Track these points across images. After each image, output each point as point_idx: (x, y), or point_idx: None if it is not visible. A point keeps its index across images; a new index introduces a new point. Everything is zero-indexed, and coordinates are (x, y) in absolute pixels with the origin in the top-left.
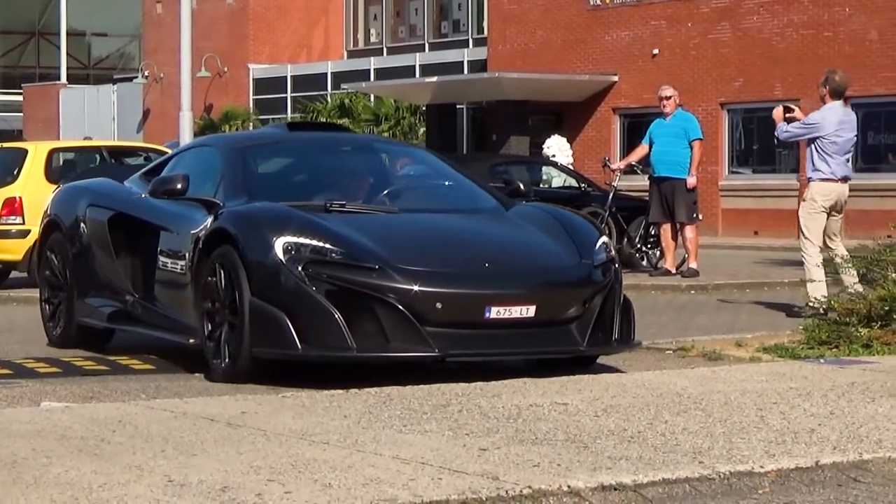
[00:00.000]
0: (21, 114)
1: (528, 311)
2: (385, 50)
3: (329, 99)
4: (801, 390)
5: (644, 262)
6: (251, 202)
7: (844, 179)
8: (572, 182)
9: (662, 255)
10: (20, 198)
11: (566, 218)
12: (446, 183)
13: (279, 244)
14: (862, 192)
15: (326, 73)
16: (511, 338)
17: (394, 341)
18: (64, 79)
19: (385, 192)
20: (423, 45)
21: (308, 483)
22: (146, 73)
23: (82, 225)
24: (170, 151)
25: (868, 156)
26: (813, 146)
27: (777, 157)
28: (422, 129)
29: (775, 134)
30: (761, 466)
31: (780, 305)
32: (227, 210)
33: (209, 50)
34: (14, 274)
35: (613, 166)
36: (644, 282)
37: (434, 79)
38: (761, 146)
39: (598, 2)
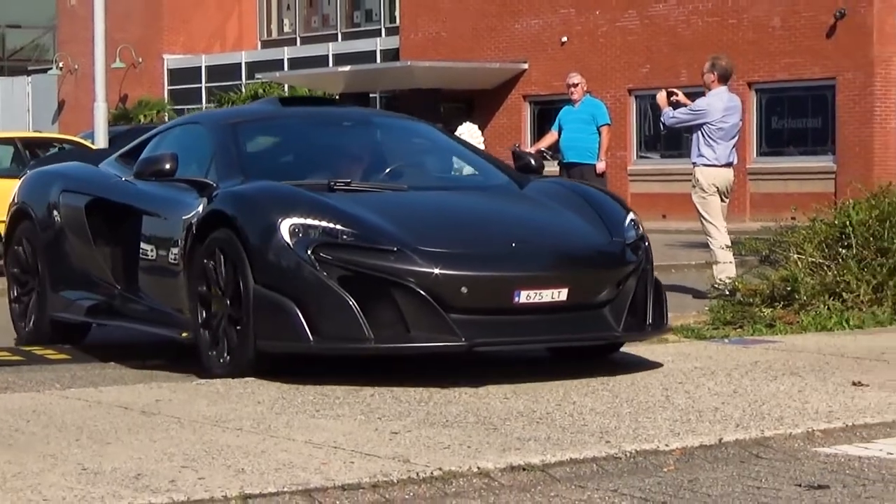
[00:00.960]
0: None
1: (560, 294)
2: (298, 40)
3: (244, 89)
4: (705, 370)
5: None
6: (248, 182)
7: (728, 165)
8: None
9: None
10: None
11: (590, 193)
12: (454, 158)
13: (285, 226)
14: (766, 175)
15: (241, 64)
16: (542, 324)
17: (415, 330)
18: None
19: (389, 168)
20: (336, 34)
21: (221, 469)
22: (61, 65)
23: (55, 212)
24: (87, 143)
25: (771, 140)
26: (699, 132)
27: (683, 142)
28: None
29: (661, 120)
30: (666, 445)
31: (686, 288)
32: (223, 191)
33: (124, 41)
34: None
35: (524, 148)
36: None
37: (347, 68)
38: (669, 131)
39: None
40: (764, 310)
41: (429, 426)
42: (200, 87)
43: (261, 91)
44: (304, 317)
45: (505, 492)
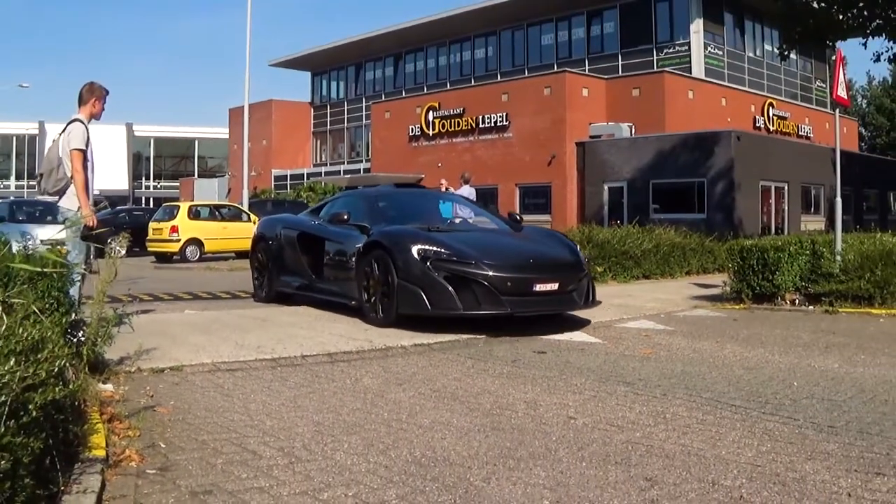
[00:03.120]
0: (178, 191)
1: (554, 286)
2: (328, 163)
3: (304, 184)
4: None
5: None
6: (389, 226)
7: None
8: None
9: None
10: (177, 225)
11: (556, 234)
12: (481, 215)
13: (414, 249)
14: (526, 223)
15: (304, 174)
16: (546, 301)
17: (484, 304)
18: (196, 176)
19: (449, 220)
20: (344, 160)
21: (294, 345)
22: (230, 174)
23: (280, 238)
24: (241, 207)
25: (526, 208)
26: None
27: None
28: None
29: None
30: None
31: None
32: (377, 230)
33: (256, 163)
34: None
35: None
36: None
37: (349, 176)
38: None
39: (416, 144)
40: None
41: (380, 329)
42: (286, 184)
43: (312, 186)
44: (426, 297)
45: (411, 354)
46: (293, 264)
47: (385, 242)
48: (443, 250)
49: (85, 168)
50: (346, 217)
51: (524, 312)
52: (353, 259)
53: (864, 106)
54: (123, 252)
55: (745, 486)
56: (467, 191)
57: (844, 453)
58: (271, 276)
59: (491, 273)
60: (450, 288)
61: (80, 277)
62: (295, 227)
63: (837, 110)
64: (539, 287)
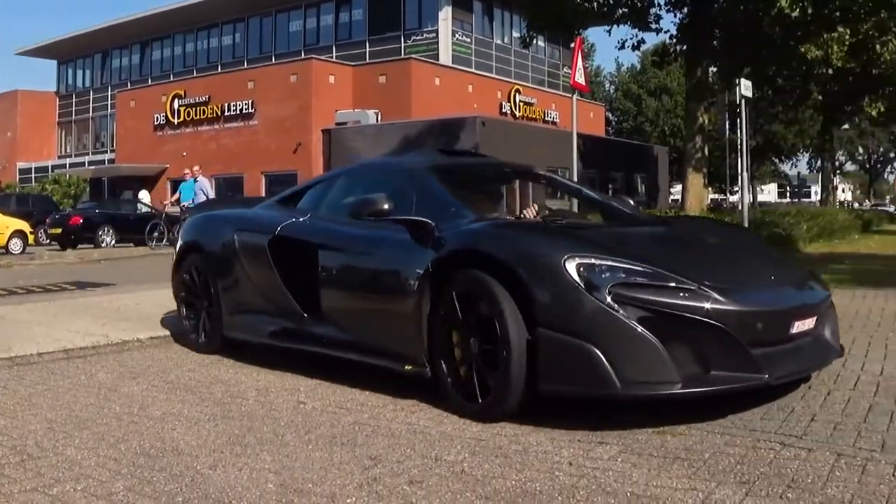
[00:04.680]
0: None
1: (812, 322)
2: (73, 154)
3: (49, 177)
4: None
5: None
6: (470, 221)
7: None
8: (148, 210)
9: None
10: None
11: (734, 225)
12: (589, 194)
13: (571, 266)
14: None
15: (49, 166)
16: (804, 350)
17: (716, 367)
18: None
19: (556, 204)
20: (89, 152)
21: (30, 342)
22: None
23: (234, 249)
24: None
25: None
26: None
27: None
28: (86, 189)
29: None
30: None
31: None
32: (453, 230)
33: (0, 156)
34: None
35: (165, 202)
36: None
37: (93, 167)
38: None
39: (161, 133)
40: None
41: (118, 322)
42: (31, 177)
43: (57, 178)
44: (608, 361)
45: (147, 347)
46: (261, 293)
47: (498, 254)
48: (624, 265)
49: None
50: (387, 207)
51: (785, 377)
52: (414, 284)
53: (612, 92)
54: None
55: (468, 460)
56: (206, 184)
57: (571, 426)
58: (216, 312)
59: (728, 306)
60: (655, 341)
61: None
62: (263, 229)
63: (575, 96)
64: (797, 326)
